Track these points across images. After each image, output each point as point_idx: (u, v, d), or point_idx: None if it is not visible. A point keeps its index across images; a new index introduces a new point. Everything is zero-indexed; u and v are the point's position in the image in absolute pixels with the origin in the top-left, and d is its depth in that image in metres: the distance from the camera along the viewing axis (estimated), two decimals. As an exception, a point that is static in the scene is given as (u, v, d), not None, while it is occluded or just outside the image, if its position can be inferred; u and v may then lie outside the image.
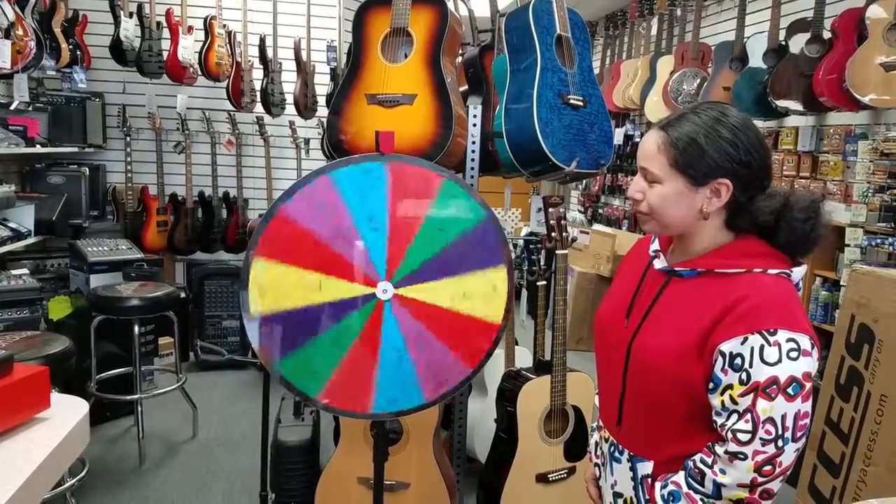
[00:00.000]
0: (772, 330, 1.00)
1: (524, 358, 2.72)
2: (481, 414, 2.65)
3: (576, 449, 2.17)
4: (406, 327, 1.49)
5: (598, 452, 1.31)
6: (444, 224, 1.50)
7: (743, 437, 1.00)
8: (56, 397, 0.85)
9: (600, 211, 5.94)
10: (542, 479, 2.14)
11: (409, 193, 1.49)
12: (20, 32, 3.17)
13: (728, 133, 1.06)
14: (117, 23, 3.83)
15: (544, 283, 2.36)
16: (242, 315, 1.45)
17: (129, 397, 3.01)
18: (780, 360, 0.99)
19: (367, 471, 2.03)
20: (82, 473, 2.41)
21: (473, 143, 2.15)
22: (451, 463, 2.31)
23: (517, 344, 2.76)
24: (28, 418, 0.81)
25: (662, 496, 1.10)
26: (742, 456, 1.01)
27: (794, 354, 0.99)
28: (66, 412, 0.85)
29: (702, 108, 1.09)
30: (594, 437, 1.35)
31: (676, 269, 1.14)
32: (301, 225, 1.44)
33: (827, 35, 3.19)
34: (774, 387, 0.99)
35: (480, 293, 1.51)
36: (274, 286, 1.44)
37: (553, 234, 2.10)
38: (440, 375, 1.52)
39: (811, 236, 1.08)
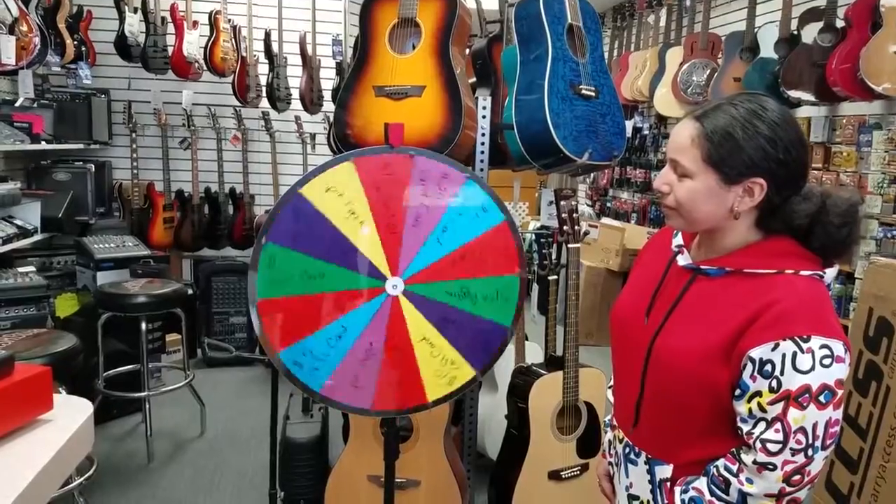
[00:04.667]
0: (805, 336, 0.95)
1: (535, 354, 2.68)
2: (492, 410, 2.62)
3: (589, 446, 2.14)
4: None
5: (612, 452, 1.27)
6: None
7: (773, 447, 0.97)
8: (59, 398, 0.82)
9: (609, 204, 5.90)
10: (555, 476, 2.11)
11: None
12: (24, 28, 3.15)
13: (766, 129, 1.00)
14: (122, 18, 3.81)
15: (555, 277, 2.33)
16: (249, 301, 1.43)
17: (136, 395, 3.00)
18: (813, 368, 0.95)
19: (377, 468, 2.01)
20: (90, 472, 2.39)
21: (483, 135, 2.11)
22: (462, 459, 2.29)
23: (527, 339, 2.73)
24: (30, 420, 0.78)
25: (683, 501, 1.06)
26: (771, 466, 0.97)
27: (827, 361, 0.95)
28: (70, 413, 0.82)
29: (739, 100, 1.03)
30: (608, 435, 1.32)
31: (703, 267, 1.09)
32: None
33: (840, 24, 3.14)
34: (806, 395, 0.95)
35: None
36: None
37: (565, 227, 2.06)
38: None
39: (847, 242, 1.03)
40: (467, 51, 2.41)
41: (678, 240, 1.17)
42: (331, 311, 1.44)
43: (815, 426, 0.95)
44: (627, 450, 1.18)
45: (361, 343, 1.45)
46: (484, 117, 2.11)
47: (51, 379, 0.79)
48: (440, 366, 1.47)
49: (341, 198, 1.42)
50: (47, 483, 0.73)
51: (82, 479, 2.30)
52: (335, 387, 1.46)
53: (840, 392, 0.97)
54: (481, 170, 2.12)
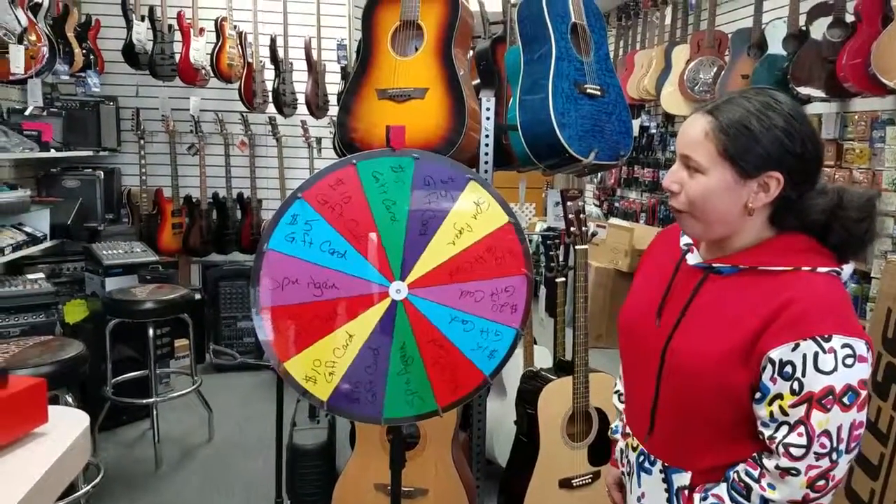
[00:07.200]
0: (826, 336, 0.92)
1: (544, 358, 2.66)
2: (501, 415, 2.59)
3: (600, 453, 2.10)
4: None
5: (624, 461, 1.24)
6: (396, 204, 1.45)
7: (796, 451, 0.93)
8: (55, 410, 0.81)
9: (617, 204, 5.85)
10: (566, 484, 2.07)
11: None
12: (33, 38, 3.16)
13: (782, 121, 0.97)
14: (129, 26, 3.82)
15: (563, 279, 2.30)
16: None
17: (144, 401, 3.00)
18: (835, 369, 0.91)
19: (384, 477, 1.98)
20: (97, 479, 2.39)
21: (487, 136, 2.09)
22: (471, 467, 2.26)
23: (536, 343, 2.70)
24: (24, 434, 0.76)
25: None
26: (795, 472, 0.94)
27: (849, 361, 0.92)
28: (66, 426, 0.81)
29: (751, 94, 1.01)
30: (619, 444, 1.28)
31: (715, 265, 1.05)
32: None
33: (850, 18, 3.09)
34: (830, 397, 0.91)
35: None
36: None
37: (572, 228, 2.04)
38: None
39: (866, 237, 1.00)
40: (471, 52, 2.39)
41: (686, 238, 1.14)
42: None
43: (839, 429, 0.92)
44: (641, 458, 1.15)
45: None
46: (488, 119, 2.09)
47: (45, 391, 0.78)
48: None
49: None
50: (42, 498, 0.72)
51: (89, 486, 2.30)
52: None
53: (864, 392, 0.93)
54: (486, 171, 2.10)
